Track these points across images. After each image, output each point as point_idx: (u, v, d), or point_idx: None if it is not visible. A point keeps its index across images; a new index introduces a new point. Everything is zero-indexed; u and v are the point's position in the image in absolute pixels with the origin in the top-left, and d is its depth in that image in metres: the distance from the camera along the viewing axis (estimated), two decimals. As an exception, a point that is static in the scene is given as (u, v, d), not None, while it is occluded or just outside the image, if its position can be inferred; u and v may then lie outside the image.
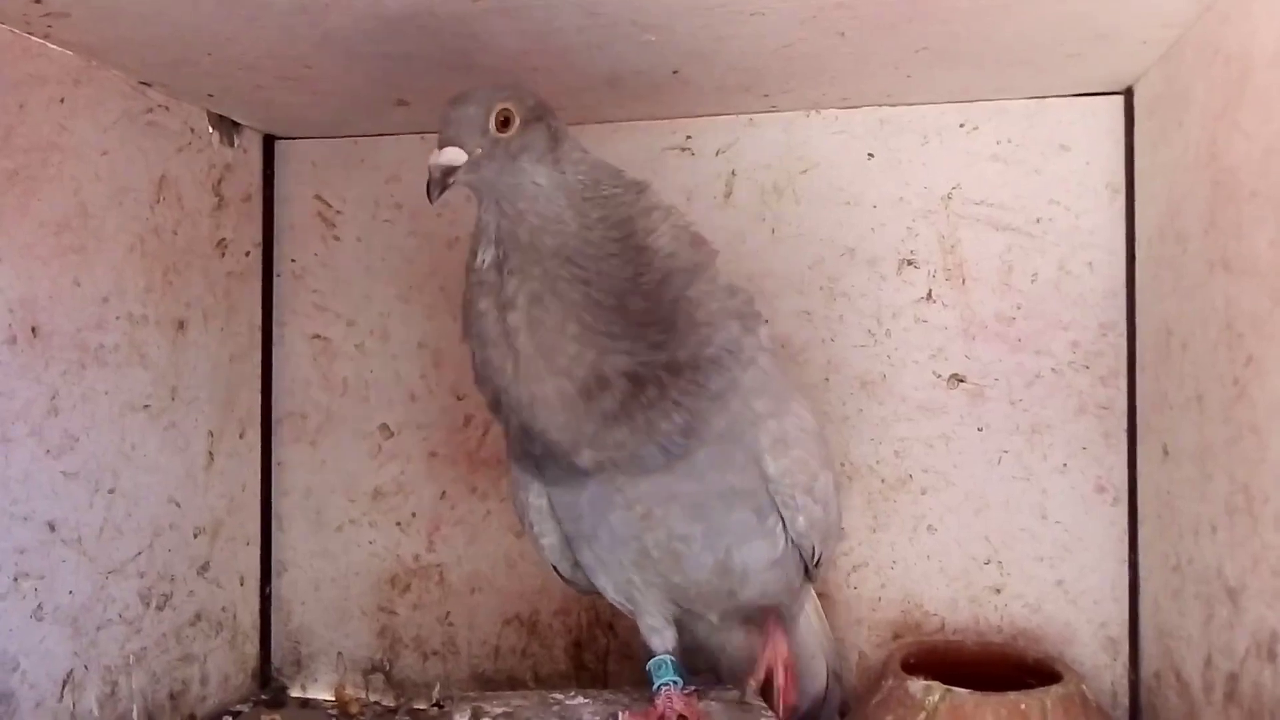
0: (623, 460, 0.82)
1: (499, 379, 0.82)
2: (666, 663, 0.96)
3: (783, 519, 0.89)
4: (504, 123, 0.81)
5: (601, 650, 1.32)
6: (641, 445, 0.81)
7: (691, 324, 0.82)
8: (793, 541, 0.91)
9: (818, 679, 1.07)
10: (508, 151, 0.81)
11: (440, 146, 0.81)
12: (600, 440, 0.81)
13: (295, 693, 1.40)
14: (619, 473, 0.84)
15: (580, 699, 1.01)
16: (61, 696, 1.05)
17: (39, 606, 1.02)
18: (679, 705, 0.94)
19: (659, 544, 0.89)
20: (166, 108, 1.20)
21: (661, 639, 0.97)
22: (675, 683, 0.95)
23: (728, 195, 1.30)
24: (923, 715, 0.97)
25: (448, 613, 1.37)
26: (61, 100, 1.05)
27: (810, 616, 1.07)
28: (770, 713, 1.00)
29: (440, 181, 0.80)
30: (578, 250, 0.81)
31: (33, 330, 1.02)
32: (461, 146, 0.80)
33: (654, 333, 0.81)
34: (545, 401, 0.80)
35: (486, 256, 0.82)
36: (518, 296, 0.80)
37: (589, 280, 0.81)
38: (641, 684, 1.06)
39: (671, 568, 0.91)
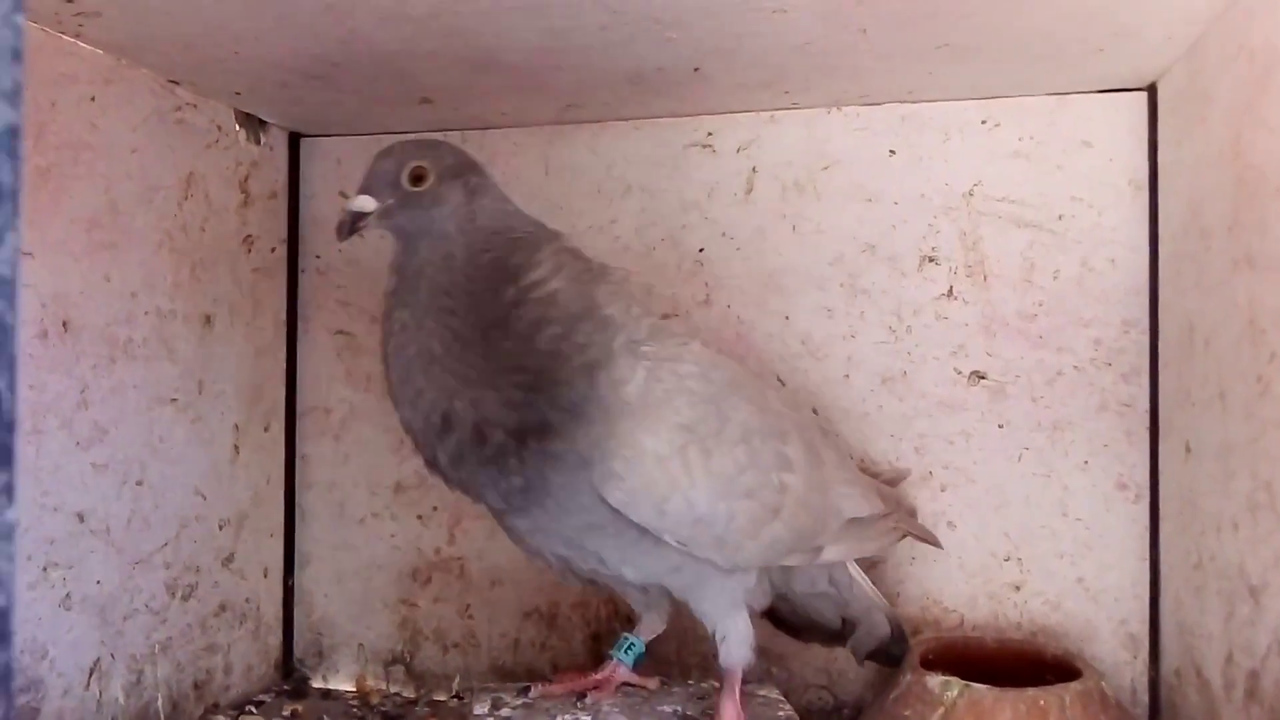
0: (475, 494, 0.90)
1: (389, 386, 0.90)
2: (627, 642, 1.05)
3: None
4: (418, 178, 0.89)
5: (621, 644, 1.33)
6: (486, 491, 0.88)
7: (554, 382, 0.85)
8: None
9: (880, 627, 1.11)
10: (419, 203, 0.89)
11: (358, 194, 0.90)
12: (452, 472, 0.88)
13: (317, 683, 1.42)
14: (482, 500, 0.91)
15: (600, 691, 1.02)
16: (89, 684, 1.07)
17: (67, 596, 1.04)
18: (618, 678, 1.02)
19: (555, 559, 0.97)
20: (195, 106, 1.22)
21: (640, 624, 1.06)
22: (623, 661, 1.03)
23: (749, 192, 1.31)
24: (941, 710, 0.98)
25: (468, 605, 1.38)
26: (92, 98, 1.06)
27: (859, 584, 1.09)
28: (788, 706, 1.01)
29: (349, 224, 0.90)
30: (454, 284, 0.87)
31: (64, 325, 1.03)
32: (374, 196, 0.89)
33: (516, 383, 0.84)
34: (408, 422, 0.89)
35: (390, 284, 0.91)
36: (394, 325, 0.88)
37: (455, 311, 0.86)
38: (658, 675, 1.07)
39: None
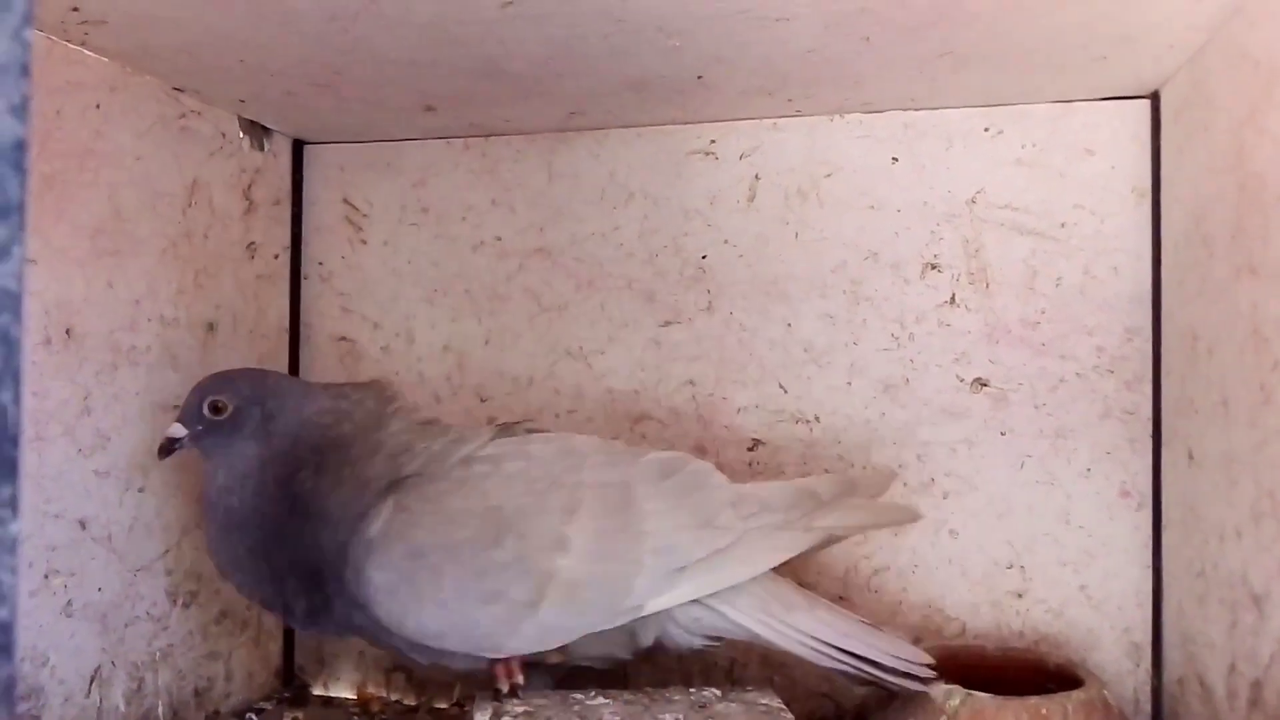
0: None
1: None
2: None
3: None
4: (217, 409, 1.03)
5: (623, 652, 1.33)
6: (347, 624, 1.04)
7: (334, 541, 0.99)
8: None
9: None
10: (221, 430, 1.04)
11: (176, 421, 1.05)
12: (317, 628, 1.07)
13: (318, 691, 1.41)
14: None
15: (600, 699, 1.02)
16: (89, 692, 1.07)
17: (69, 603, 1.04)
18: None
19: None
20: (199, 113, 1.22)
21: None
22: None
23: (751, 199, 1.31)
24: (943, 719, 0.97)
25: (470, 613, 1.38)
26: (97, 106, 1.07)
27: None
28: (789, 715, 1.00)
29: (166, 447, 1.05)
30: (256, 508, 1.01)
31: (67, 332, 1.04)
32: (184, 425, 1.04)
33: (312, 566, 1.00)
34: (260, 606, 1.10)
35: (204, 501, 1.05)
36: (209, 540, 1.05)
37: (263, 527, 1.01)
38: (661, 684, 1.06)
39: None
